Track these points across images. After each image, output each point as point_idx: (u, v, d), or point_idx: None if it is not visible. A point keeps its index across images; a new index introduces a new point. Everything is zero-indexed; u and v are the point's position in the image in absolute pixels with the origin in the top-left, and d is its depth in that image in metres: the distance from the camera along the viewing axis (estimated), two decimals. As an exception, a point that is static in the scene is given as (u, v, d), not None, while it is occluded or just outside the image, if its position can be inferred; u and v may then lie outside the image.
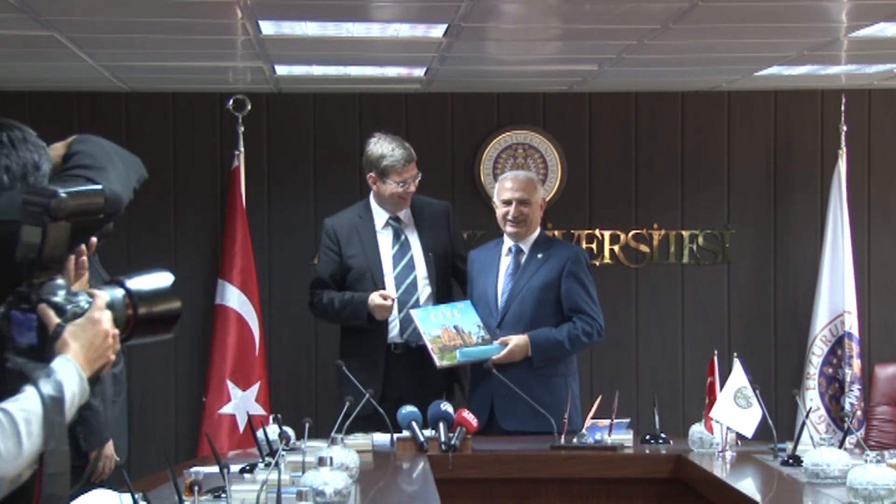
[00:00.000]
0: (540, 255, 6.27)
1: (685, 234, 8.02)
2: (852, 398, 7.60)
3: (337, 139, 7.89)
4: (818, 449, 4.72)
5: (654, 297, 8.03)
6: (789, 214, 8.02)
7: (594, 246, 7.99)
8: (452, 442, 5.44)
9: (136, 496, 3.58)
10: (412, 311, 6.26)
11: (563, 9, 5.72)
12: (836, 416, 7.61)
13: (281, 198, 7.90)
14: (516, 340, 6.13)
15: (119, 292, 2.56)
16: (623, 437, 5.69)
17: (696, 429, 5.54)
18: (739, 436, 5.48)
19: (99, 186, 2.59)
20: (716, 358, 5.55)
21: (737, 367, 5.46)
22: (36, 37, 6.01)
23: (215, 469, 4.01)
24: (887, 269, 8.03)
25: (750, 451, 5.45)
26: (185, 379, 7.77)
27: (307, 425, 4.80)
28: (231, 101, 7.60)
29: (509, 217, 6.24)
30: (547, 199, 7.91)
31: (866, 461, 4.24)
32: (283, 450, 4.54)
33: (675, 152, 8.01)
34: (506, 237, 6.35)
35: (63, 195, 2.42)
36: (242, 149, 7.61)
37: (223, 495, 4.00)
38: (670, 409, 7.23)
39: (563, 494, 5.56)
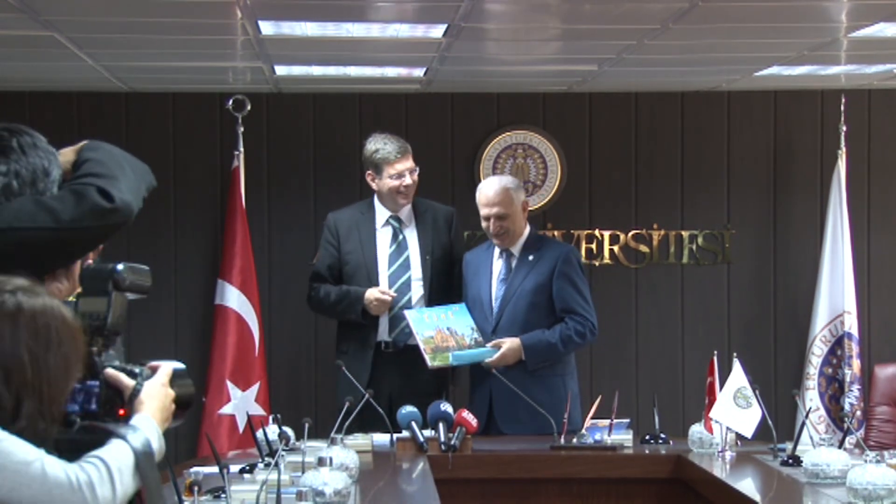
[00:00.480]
0: (531, 257, 6.27)
1: (685, 234, 8.02)
2: (852, 398, 7.60)
3: (337, 139, 7.89)
4: (818, 449, 4.73)
5: (654, 297, 8.03)
6: (789, 214, 8.01)
7: (594, 246, 7.99)
8: (452, 442, 5.43)
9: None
10: (406, 312, 6.27)
11: (563, 9, 5.72)
12: (836, 416, 7.61)
13: (281, 198, 7.90)
14: (509, 344, 6.13)
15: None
16: (623, 437, 5.69)
17: (696, 429, 5.54)
18: (739, 436, 5.48)
19: (146, 268, 2.74)
20: (715, 358, 5.55)
21: (736, 367, 5.46)
22: (36, 37, 6.01)
23: (215, 469, 4.02)
24: (887, 269, 8.03)
25: (750, 451, 5.45)
26: (184, 379, 7.76)
27: (307, 425, 4.80)
28: (231, 102, 7.60)
29: (490, 231, 6.27)
30: (547, 199, 7.94)
31: (866, 461, 4.24)
32: (283, 450, 4.54)
33: (675, 152, 8.00)
34: None
35: (121, 269, 2.63)
36: (242, 149, 7.61)
37: (223, 495, 4.00)
38: (670, 409, 7.23)
39: (563, 494, 5.56)
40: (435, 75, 7.23)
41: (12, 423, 2.32)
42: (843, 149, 7.74)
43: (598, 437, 5.63)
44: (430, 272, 6.42)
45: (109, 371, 2.58)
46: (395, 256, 6.45)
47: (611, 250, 8.00)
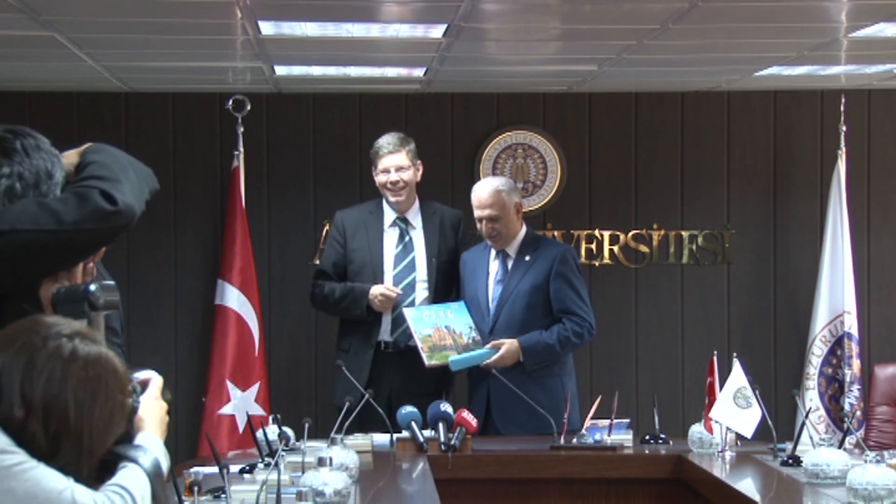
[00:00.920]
0: (527, 258, 6.27)
1: (685, 234, 8.02)
2: (852, 398, 7.60)
3: (337, 139, 7.88)
4: (818, 449, 4.73)
5: (653, 298, 8.02)
6: (789, 214, 8.01)
7: (594, 246, 7.99)
8: (452, 442, 5.43)
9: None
10: (405, 310, 6.27)
11: (563, 9, 5.72)
12: (836, 416, 7.61)
13: (281, 198, 7.90)
14: (507, 346, 6.13)
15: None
16: (623, 437, 5.70)
17: (696, 429, 5.54)
18: (739, 436, 5.48)
19: (113, 283, 2.75)
20: (715, 358, 5.55)
21: (736, 367, 5.46)
22: (36, 37, 6.01)
23: (215, 469, 4.01)
24: (887, 270, 8.03)
25: (750, 451, 5.45)
26: (184, 379, 7.77)
27: (307, 425, 4.80)
28: (231, 102, 7.60)
29: (483, 232, 6.28)
30: (547, 199, 7.94)
31: (866, 461, 4.24)
32: (283, 450, 4.54)
33: (674, 152, 8.00)
34: None
35: (94, 289, 2.63)
36: (242, 149, 7.61)
37: (223, 495, 4.00)
38: (670, 409, 7.23)
39: (562, 494, 5.56)
40: (435, 75, 7.23)
41: (47, 461, 2.32)
42: (843, 149, 7.74)
43: (598, 437, 5.63)
44: (434, 275, 6.42)
45: None
46: (401, 257, 6.45)
47: (611, 250, 8.00)
